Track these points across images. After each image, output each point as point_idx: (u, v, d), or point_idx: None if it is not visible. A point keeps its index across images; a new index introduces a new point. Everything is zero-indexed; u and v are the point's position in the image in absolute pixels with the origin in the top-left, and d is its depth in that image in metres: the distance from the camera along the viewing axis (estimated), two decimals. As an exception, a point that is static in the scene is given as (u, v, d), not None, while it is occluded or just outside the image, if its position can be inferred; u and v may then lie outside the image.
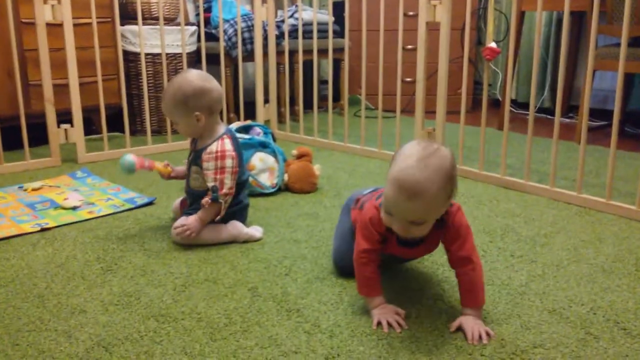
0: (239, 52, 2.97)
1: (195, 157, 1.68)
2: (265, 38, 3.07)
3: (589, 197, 2.00)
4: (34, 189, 2.15)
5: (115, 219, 1.88)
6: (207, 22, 3.33)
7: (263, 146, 2.17)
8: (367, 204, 1.31)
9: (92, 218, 1.88)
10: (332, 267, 1.50)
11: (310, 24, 3.15)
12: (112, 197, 2.08)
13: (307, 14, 3.41)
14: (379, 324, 1.23)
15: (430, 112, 2.51)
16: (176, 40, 3.00)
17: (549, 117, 3.66)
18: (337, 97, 3.70)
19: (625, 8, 1.83)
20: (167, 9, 3.06)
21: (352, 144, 2.79)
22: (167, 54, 2.90)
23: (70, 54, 2.49)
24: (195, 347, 1.16)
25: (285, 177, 2.17)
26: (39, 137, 2.68)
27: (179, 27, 2.96)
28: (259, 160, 2.13)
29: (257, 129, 2.28)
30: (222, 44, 2.93)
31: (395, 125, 2.62)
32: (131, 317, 1.27)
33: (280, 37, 3.20)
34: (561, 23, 3.64)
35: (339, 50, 3.33)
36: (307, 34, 3.25)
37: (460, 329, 1.22)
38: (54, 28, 2.50)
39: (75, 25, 2.49)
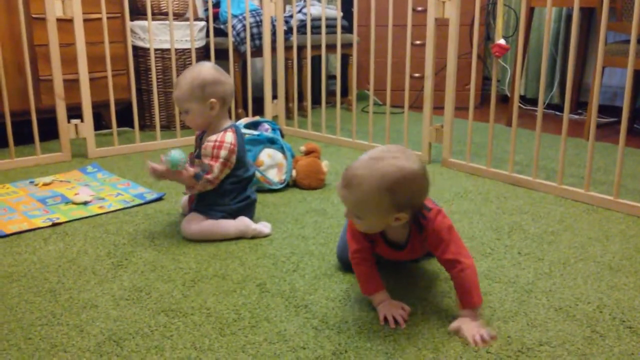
0: (248, 47, 2.97)
1: (201, 153, 1.70)
2: (274, 33, 3.08)
3: (597, 195, 2.00)
4: (45, 184, 2.17)
5: (125, 214, 1.90)
6: (216, 17, 3.33)
7: (271, 142, 2.18)
8: None
9: (103, 213, 1.90)
10: (339, 264, 1.52)
11: (319, 19, 3.14)
12: (121, 192, 2.10)
13: (315, 9, 3.40)
14: (386, 319, 1.24)
15: (438, 108, 2.51)
16: (185, 35, 3.01)
17: (557, 113, 3.65)
18: (345, 93, 3.70)
19: (635, 5, 1.82)
20: (176, 4, 3.07)
21: (360, 139, 2.79)
22: (176, 49, 2.91)
23: (81, 49, 2.51)
24: (205, 342, 1.18)
25: (293, 173, 2.18)
26: (49, 131, 2.70)
27: (188, 23, 2.97)
28: (267, 156, 2.15)
29: (266, 125, 2.28)
30: (230, 39, 2.94)
31: (404, 121, 2.63)
32: (142, 312, 1.29)
33: (288, 32, 3.21)
34: (571, 19, 3.62)
35: (347, 45, 3.33)
36: (316, 29, 3.25)
37: (459, 332, 1.20)
38: (65, 23, 2.52)
39: (85, 20, 2.50)
